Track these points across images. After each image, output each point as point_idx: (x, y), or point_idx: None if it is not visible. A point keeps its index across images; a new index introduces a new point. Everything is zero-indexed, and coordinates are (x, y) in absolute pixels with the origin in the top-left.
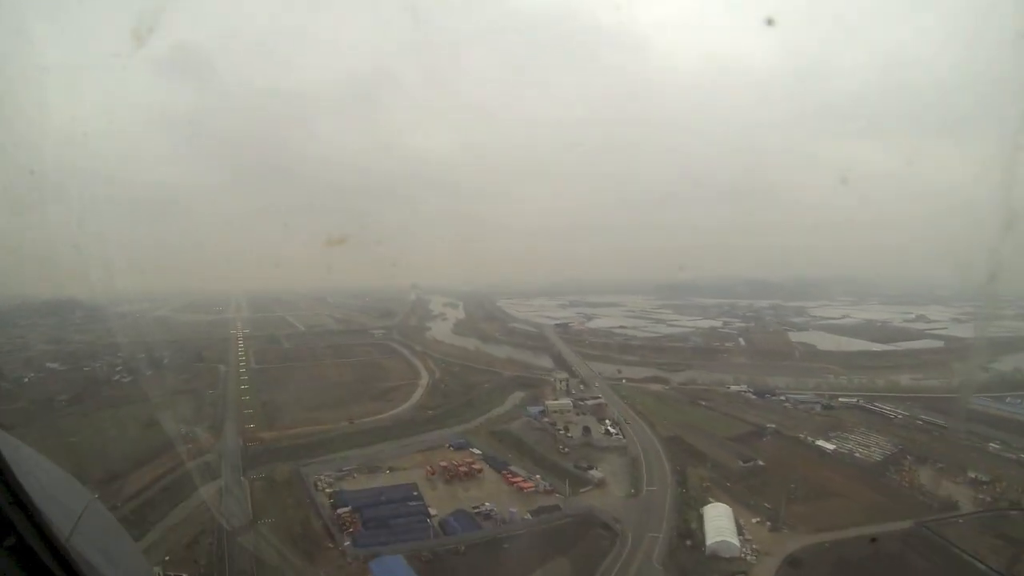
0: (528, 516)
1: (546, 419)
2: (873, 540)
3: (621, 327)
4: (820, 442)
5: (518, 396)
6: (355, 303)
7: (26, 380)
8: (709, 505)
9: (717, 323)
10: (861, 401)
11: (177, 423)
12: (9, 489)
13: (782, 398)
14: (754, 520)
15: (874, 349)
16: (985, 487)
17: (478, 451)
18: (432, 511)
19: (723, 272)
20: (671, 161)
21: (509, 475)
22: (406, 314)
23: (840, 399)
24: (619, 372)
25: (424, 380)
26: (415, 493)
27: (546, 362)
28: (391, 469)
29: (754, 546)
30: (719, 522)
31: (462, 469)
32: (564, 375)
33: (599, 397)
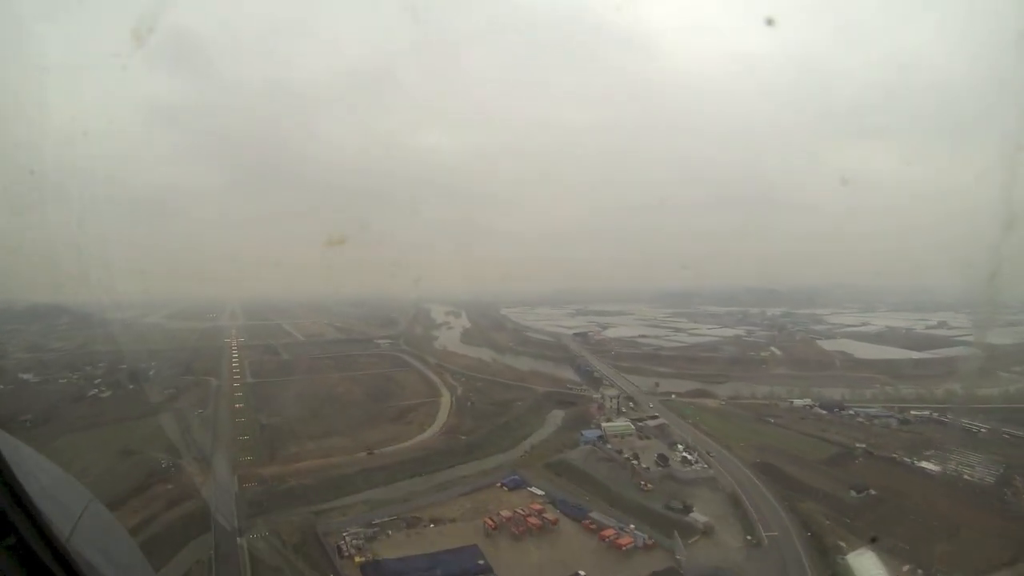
0: None
1: (608, 445)
2: None
3: (641, 336)
4: (922, 464)
5: (558, 416)
6: (354, 311)
7: None
8: (852, 554)
9: (740, 331)
10: (934, 414)
11: (157, 453)
12: (9, 489)
13: (852, 412)
14: (904, 568)
15: (913, 357)
16: None
17: (539, 491)
18: None
19: (723, 280)
20: (672, 165)
21: (593, 525)
22: (409, 323)
23: (912, 412)
24: (657, 385)
25: (446, 398)
26: (480, 561)
27: (576, 375)
28: (435, 522)
29: None
30: None
31: (531, 520)
32: (614, 391)
33: (657, 416)
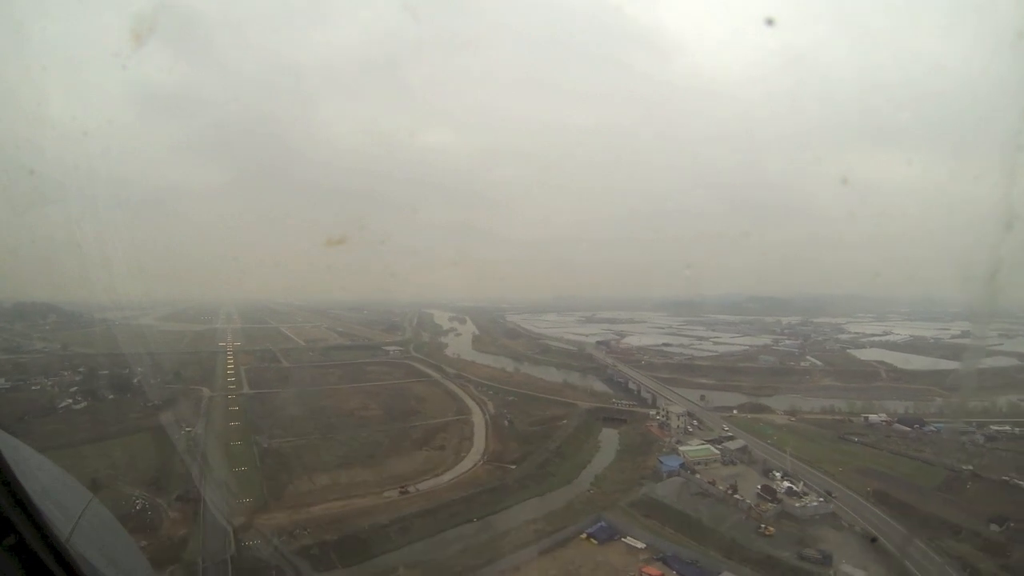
0: None
1: (697, 475)
2: None
3: (664, 344)
4: None
5: (612, 438)
6: (354, 316)
7: None
8: None
9: (765, 340)
10: (1016, 429)
11: (130, 488)
12: (9, 489)
13: (933, 428)
14: None
15: (957, 368)
16: None
17: (638, 543)
18: None
19: (725, 289)
20: (676, 171)
21: None
22: (414, 328)
23: (991, 427)
24: (703, 398)
25: (477, 415)
26: None
27: (611, 387)
28: None
29: None
30: None
31: None
32: (679, 409)
33: (732, 436)
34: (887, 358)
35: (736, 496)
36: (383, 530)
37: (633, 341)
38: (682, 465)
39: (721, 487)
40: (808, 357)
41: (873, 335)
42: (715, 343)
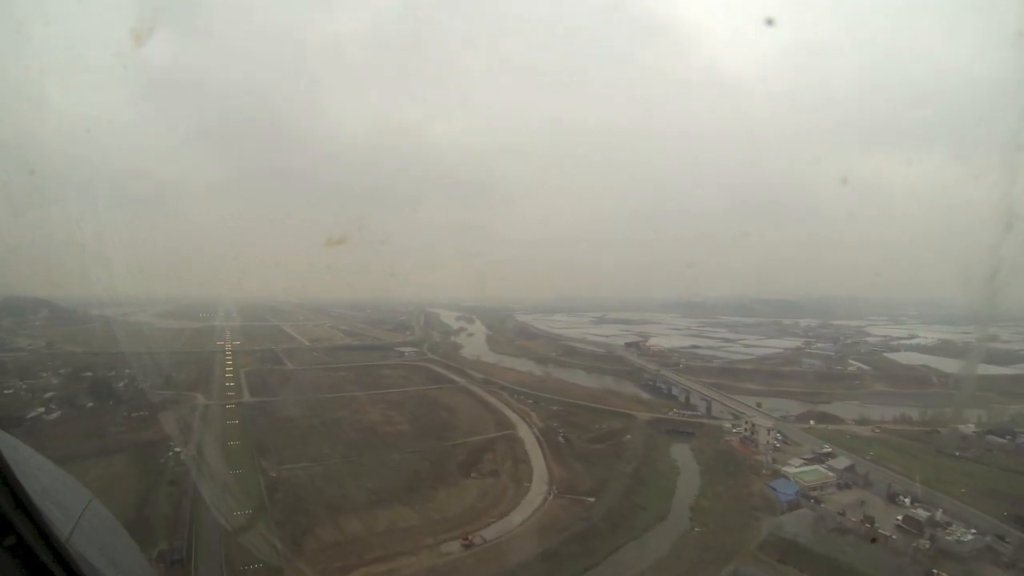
0: None
1: (822, 504)
2: None
3: (693, 347)
4: None
5: (685, 455)
6: (358, 315)
7: None
8: None
9: (796, 343)
10: None
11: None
12: (9, 489)
13: None
14: None
15: (1007, 372)
16: None
17: None
18: None
19: (731, 290)
20: (684, 171)
21: None
22: (422, 328)
23: None
24: (759, 405)
25: (524, 430)
26: None
27: (653, 393)
28: None
29: None
30: None
31: None
32: (767, 422)
33: (829, 452)
34: (927, 362)
35: (878, 530)
36: None
37: (661, 343)
38: (798, 492)
39: (853, 518)
40: (850, 361)
41: (899, 338)
42: (745, 345)
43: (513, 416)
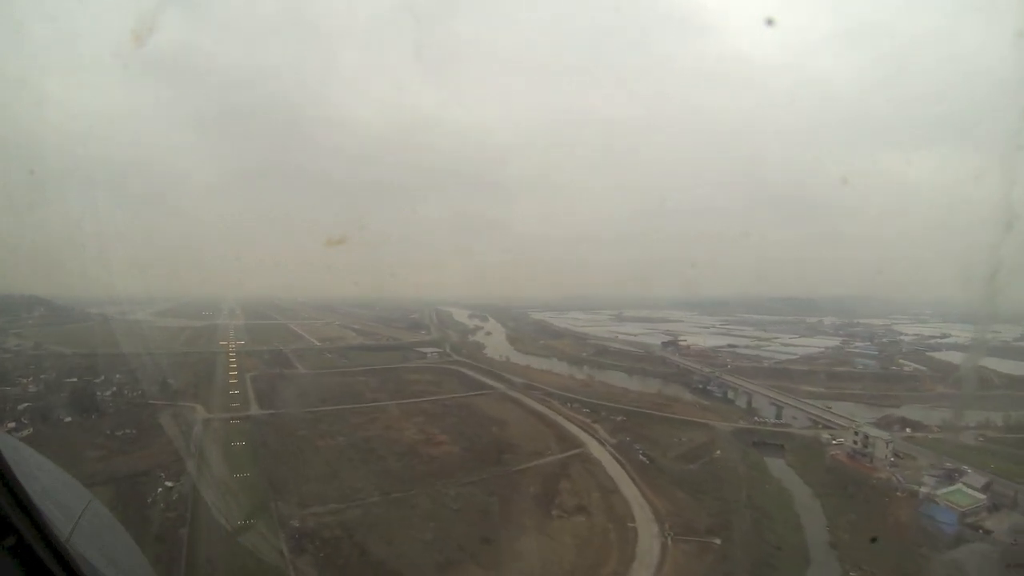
0: None
1: (992, 534)
2: None
3: (729, 346)
4: None
5: (786, 473)
6: (367, 313)
7: None
8: None
9: (834, 342)
10: None
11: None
12: (9, 489)
13: None
14: None
15: None
16: None
17: None
18: None
19: (742, 288)
20: (689, 169)
21: None
22: (438, 327)
23: None
24: (830, 408)
25: (595, 447)
26: None
27: (702, 396)
28: None
29: None
30: None
31: None
32: (882, 433)
33: (958, 468)
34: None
35: None
36: None
37: (697, 342)
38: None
39: None
40: (902, 362)
41: (932, 337)
42: (782, 344)
43: (574, 429)
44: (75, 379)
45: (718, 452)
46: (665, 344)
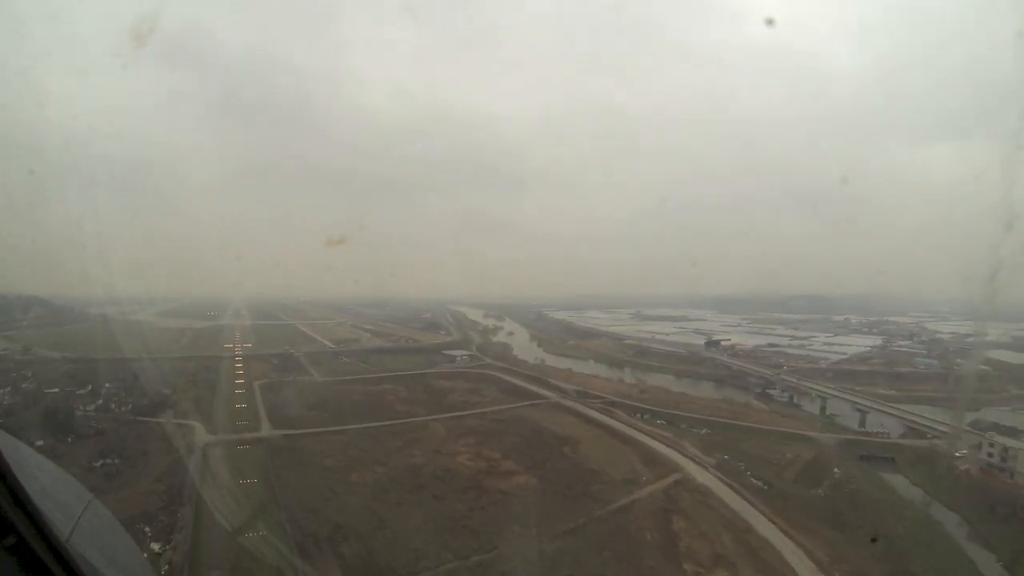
0: None
1: None
2: None
3: (771, 345)
4: None
5: (914, 493)
6: (377, 312)
7: None
8: None
9: (876, 341)
10: None
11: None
12: (9, 489)
13: None
14: None
15: None
16: None
17: None
18: None
19: (755, 286)
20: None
21: None
22: (456, 327)
23: None
24: (911, 412)
25: (693, 469)
26: None
27: (783, 403)
28: None
29: None
30: None
31: None
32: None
33: None
34: None
35: None
36: None
37: (738, 342)
38: None
39: None
40: (958, 360)
41: (968, 336)
42: (824, 344)
43: (657, 446)
44: (57, 389)
45: (836, 471)
46: (708, 344)
